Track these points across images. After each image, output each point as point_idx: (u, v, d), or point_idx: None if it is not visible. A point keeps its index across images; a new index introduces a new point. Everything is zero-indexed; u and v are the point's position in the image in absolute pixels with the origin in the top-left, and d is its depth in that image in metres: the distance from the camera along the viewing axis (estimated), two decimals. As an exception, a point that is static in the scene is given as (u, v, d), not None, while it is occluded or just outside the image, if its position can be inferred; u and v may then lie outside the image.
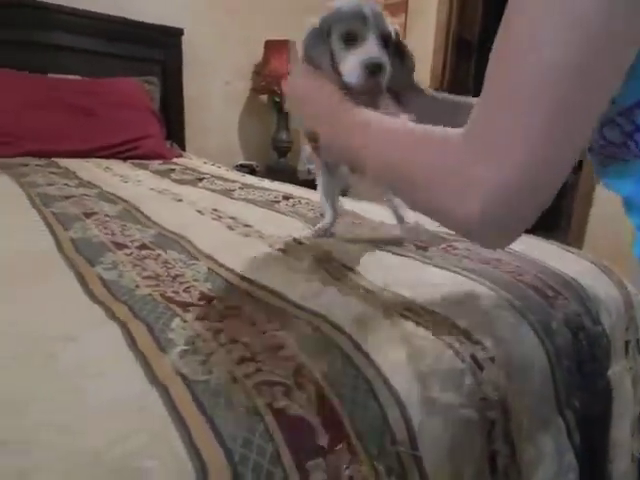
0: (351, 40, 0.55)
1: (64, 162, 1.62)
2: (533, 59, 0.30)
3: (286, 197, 1.23)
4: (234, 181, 1.51)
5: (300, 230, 0.90)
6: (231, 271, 0.65)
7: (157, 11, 2.26)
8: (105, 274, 0.61)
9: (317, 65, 0.57)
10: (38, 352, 0.41)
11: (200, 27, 2.42)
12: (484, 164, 0.33)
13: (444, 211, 0.36)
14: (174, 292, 0.57)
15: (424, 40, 2.65)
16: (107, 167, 1.63)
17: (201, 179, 1.50)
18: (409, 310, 0.54)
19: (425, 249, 0.79)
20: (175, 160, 1.95)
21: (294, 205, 1.14)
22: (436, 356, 0.48)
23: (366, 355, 0.46)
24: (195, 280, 0.61)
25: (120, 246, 0.73)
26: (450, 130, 0.37)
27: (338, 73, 0.56)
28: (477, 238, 0.38)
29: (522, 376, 0.54)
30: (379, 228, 0.94)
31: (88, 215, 0.91)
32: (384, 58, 0.54)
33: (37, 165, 1.52)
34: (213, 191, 1.29)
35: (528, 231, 0.37)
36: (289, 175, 2.53)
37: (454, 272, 0.67)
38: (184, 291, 0.57)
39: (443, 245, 0.81)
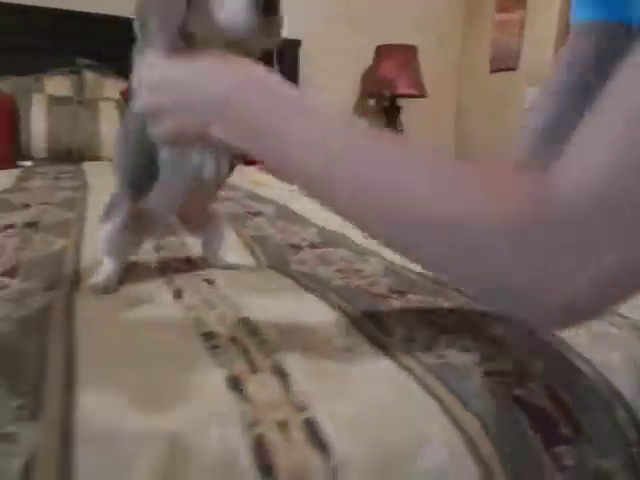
0: None
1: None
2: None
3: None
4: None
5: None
6: (409, 270, 0.69)
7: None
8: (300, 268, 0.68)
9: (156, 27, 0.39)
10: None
11: (315, 37, 2.54)
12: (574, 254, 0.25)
13: (506, 290, 0.28)
14: (367, 285, 0.62)
15: (545, 36, 2.51)
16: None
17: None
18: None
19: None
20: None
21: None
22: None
23: (579, 355, 0.46)
24: (375, 275, 0.66)
25: (294, 247, 0.80)
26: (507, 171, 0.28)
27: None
28: (545, 324, 0.31)
29: None
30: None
31: (255, 214, 1.01)
32: None
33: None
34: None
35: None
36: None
37: None
38: (372, 284, 0.62)
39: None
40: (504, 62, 2.80)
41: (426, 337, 0.46)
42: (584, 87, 0.48)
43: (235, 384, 0.36)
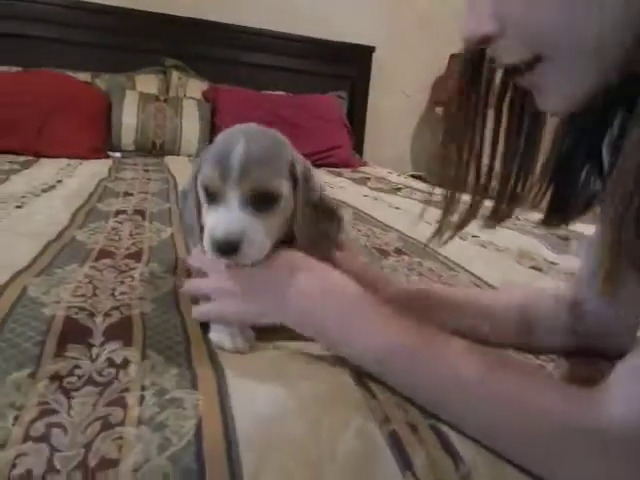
0: (211, 198, 0.39)
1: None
2: None
3: (497, 212, 1.22)
4: (430, 193, 1.55)
5: (532, 246, 0.90)
6: (492, 287, 0.68)
7: (351, 30, 2.45)
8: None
9: (185, 216, 0.45)
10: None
11: (389, 43, 2.55)
12: None
13: None
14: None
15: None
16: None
17: (399, 189, 1.58)
18: None
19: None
20: (362, 169, 2.09)
21: (513, 220, 1.13)
22: None
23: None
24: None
25: (382, 252, 0.81)
26: None
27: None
28: None
29: None
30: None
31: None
32: (239, 231, 0.37)
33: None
34: (419, 201, 1.36)
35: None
36: (459, 188, 2.50)
37: None
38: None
39: None
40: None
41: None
42: None
43: (362, 384, 0.38)
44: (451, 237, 0.43)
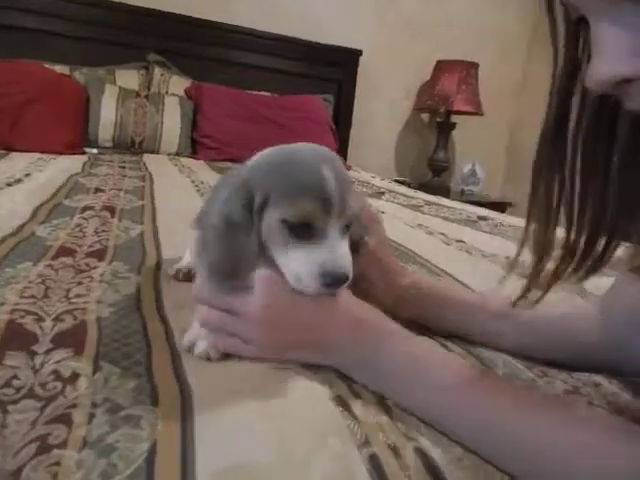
0: (305, 232, 0.35)
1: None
2: None
3: (482, 218, 1.21)
4: (413, 197, 1.54)
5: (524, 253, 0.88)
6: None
7: (339, 33, 2.43)
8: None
9: (234, 249, 0.36)
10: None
11: (376, 47, 2.54)
12: None
13: None
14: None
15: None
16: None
17: (382, 193, 1.56)
18: None
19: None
20: (346, 172, 2.06)
21: (496, 226, 1.12)
22: None
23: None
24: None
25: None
26: None
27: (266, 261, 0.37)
28: None
29: None
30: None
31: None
32: (349, 265, 0.36)
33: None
34: (403, 205, 1.33)
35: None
36: (443, 194, 2.49)
37: None
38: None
39: None
40: (567, 86, 2.70)
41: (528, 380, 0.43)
42: None
43: (341, 402, 0.34)
44: (542, 295, 0.38)
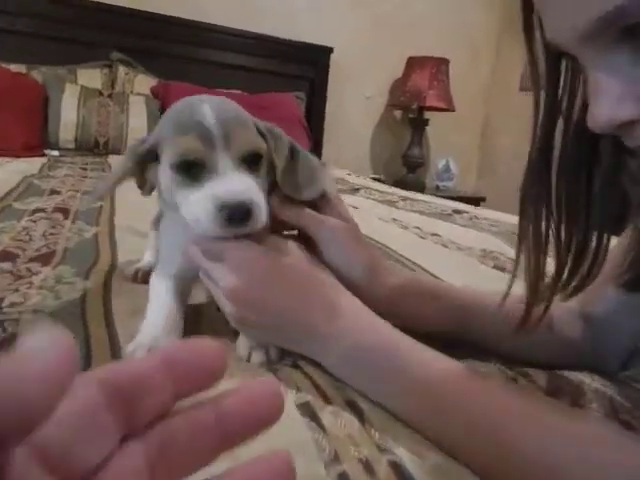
0: (194, 172, 0.34)
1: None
2: None
3: (456, 211, 1.19)
4: (388, 193, 1.52)
5: (492, 244, 0.87)
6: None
7: (310, 30, 2.40)
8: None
9: None
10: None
11: (347, 45, 2.52)
12: None
13: None
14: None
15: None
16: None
17: (357, 189, 1.53)
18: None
19: None
20: (320, 170, 2.03)
21: (471, 219, 1.10)
22: None
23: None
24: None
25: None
26: None
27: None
28: None
29: None
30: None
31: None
32: (249, 193, 0.34)
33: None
34: (378, 201, 1.31)
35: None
36: (418, 190, 2.49)
37: None
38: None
39: None
40: (536, 81, 2.75)
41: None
42: None
43: (308, 411, 0.31)
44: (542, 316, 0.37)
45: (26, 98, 1.69)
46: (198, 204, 0.33)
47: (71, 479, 0.11)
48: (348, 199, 1.29)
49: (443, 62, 2.50)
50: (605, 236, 0.34)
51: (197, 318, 0.43)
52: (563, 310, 0.44)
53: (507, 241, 0.91)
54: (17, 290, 0.42)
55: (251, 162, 0.35)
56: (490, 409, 0.29)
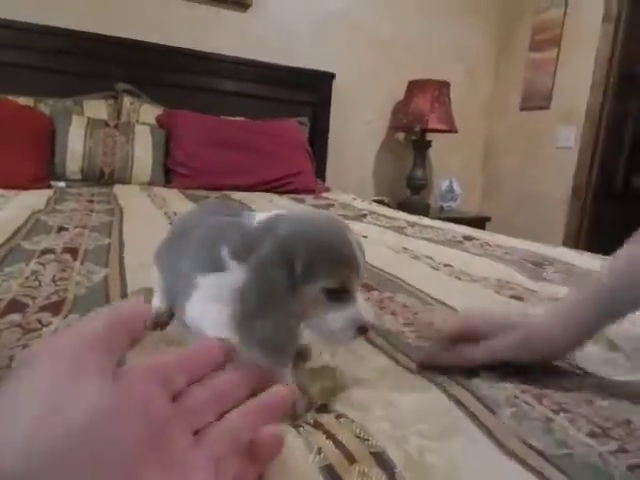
0: (340, 295, 0.38)
1: (235, 195, 1.77)
2: None
3: (467, 238, 1.18)
4: (395, 218, 1.51)
5: (507, 274, 0.85)
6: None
7: (311, 56, 2.44)
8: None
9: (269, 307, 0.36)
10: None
11: (348, 69, 2.56)
12: None
13: None
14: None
15: (580, 75, 2.48)
16: (271, 200, 1.74)
17: (364, 215, 1.52)
18: None
19: None
20: (325, 195, 2.03)
21: (482, 246, 1.09)
22: None
23: None
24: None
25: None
26: None
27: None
28: None
29: None
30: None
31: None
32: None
33: (216, 198, 1.68)
34: (386, 227, 1.30)
35: None
36: (421, 212, 2.49)
37: None
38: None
39: None
40: (536, 100, 2.77)
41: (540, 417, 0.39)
42: None
43: (332, 474, 0.29)
44: None
45: (33, 130, 1.71)
46: (339, 322, 0.38)
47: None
48: (356, 226, 1.28)
49: (444, 85, 2.53)
50: None
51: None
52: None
53: (521, 270, 0.89)
54: (26, 345, 0.41)
55: None
56: None
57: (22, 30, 1.84)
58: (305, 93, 2.41)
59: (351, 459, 0.32)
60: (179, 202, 1.45)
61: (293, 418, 0.38)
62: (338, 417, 0.38)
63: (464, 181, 2.96)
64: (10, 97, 1.75)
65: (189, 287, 0.42)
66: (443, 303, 0.68)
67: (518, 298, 0.73)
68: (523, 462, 0.33)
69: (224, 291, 0.38)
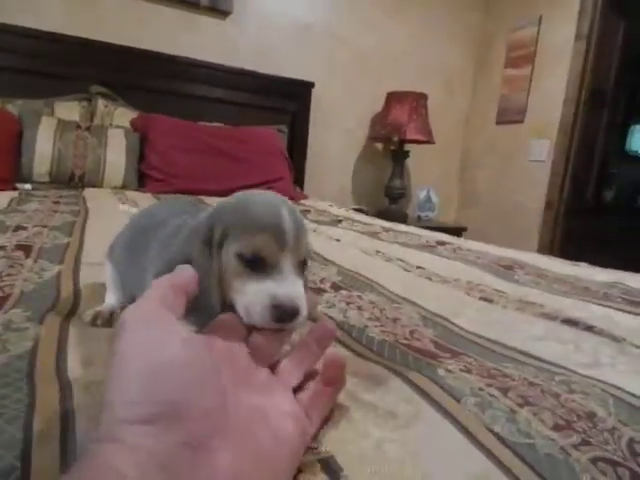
0: (259, 265, 0.36)
1: (210, 200, 1.74)
2: None
3: (440, 243, 1.18)
4: (371, 224, 1.50)
5: (478, 276, 0.85)
6: (446, 319, 0.61)
7: (290, 65, 2.45)
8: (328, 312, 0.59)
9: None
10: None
11: (328, 79, 2.58)
12: None
13: None
14: (405, 338, 0.53)
15: (553, 90, 2.56)
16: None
17: (339, 220, 1.51)
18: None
19: None
20: (303, 202, 2.02)
21: (455, 251, 1.09)
22: None
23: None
24: (415, 325, 0.58)
25: (317, 290, 0.72)
26: None
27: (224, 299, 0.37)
28: None
29: None
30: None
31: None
32: (302, 300, 0.36)
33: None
34: (361, 232, 1.29)
35: None
36: (400, 220, 2.50)
37: None
38: (414, 338, 0.54)
39: None
40: (511, 115, 2.84)
41: (506, 410, 0.37)
42: None
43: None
44: None
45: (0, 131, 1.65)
46: (256, 296, 0.35)
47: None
48: (330, 231, 1.27)
49: (422, 97, 2.57)
50: None
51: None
52: None
53: (492, 273, 0.89)
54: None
55: (301, 266, 0.38)
56: None
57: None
58: (284, 101, 2.41)
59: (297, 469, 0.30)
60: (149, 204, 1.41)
61: None
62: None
63: (441, 192, 3.00)
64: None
65: (144, 285, 0.40)
66: (412, 302, 0.67)
67: (488, 300, 0.72)
68: (483, 447, 0.31)
69: None
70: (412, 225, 2.45)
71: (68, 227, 0.93)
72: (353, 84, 2.69)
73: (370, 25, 2.69)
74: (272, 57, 2.41)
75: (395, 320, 0.58)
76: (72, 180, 1.73)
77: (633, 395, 0.42)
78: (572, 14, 2.47)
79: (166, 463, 0.21)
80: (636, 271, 1.00)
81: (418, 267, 0.89)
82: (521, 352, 0.52)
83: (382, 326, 0.56)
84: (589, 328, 0.60)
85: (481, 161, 3.09)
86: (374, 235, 1.26)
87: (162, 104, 2.08)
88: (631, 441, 0.34)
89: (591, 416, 0.37)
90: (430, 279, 0.82)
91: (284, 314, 0.34)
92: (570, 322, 0.62)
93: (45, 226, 0.90)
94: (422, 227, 2.23)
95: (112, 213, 1.18)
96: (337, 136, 2.72)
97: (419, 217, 2.86)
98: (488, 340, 0.55)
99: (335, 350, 0.34)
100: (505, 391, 0.41)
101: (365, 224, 1.49)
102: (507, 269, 0.94)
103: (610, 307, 0.71)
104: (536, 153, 2.70)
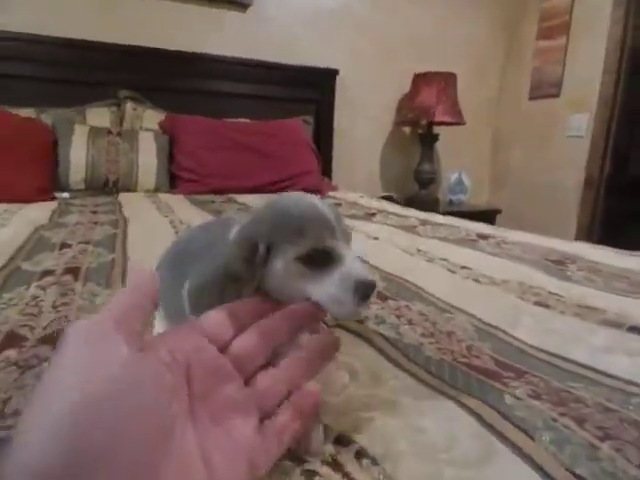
0: (321, 259, 0.35)
1: (241, 198, 1.74)
2: None
3: (481, 236, 1.14)
4: (405, 216, 1.47)
5: (529, 276, 0.81)
6: (502, 331, 0.58)
7: (313, 53, 2.40)
8: (381, 329, 0.58)
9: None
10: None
11: (352, 65, 2.51)
12: None
13: None
14: (463, 356, 0.51)
15: (591, 61, 2.41)
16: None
17: (373, 214, 1.49)
18: None
19: None
20: (332, 194, 2.00)
21: (499, 245, 1.05)
22: None
23: None
24: (470, 339, 0.55)
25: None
26: None
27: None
28: None
29: None
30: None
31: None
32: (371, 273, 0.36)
33: (222, 202, 1.65)
34: (396, 227, 1.26)
35: None
36: (431, 206, 2.44)
37: None
38: (472, 355, 0.51)
39: None
40: (545, 89, 2.70)
41: (585, 445, 0.35)
42: None
43: None
44: None
45: (36, 142, 1.69)
46: (337, 286, 0.34)
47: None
48: (365, 227, 1.24)
49: (451, 76, 2.47)
50: None
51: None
52: None
53: (543, 270, 0.85)
54: (21, 388, 0.38)
55: (350, 245, 0.38)
56: None
57: (22, 41, 1.82)
58: (308, 91, 2.37)
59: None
60: (184, 209, 1.42)
61: (309, 453, 0.35)
62: (359, 455, 0.35)
63: (473, 174, 2.91)
64: (12, 109, 1.73)
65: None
66: (464, 311, 0.65)
67: (543, 305, 0.68)
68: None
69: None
70: (444, 209, 2.41)
71: (110, 241, 0.94)
72: (378, 69, 2.62)
73: (393, 8, 2.59)
74: (294, 47, 2.37)
75: (450, 334, 0.56)
76: (106, 186, 1.77)
77: None
78: (611, -24, 2.31)
79: None
80: (698, 260, 0.93)
81: (463, 267, 0.86)
82: (588, 367, 0.49)
83: (437, 342, 0.54)
84: (659, 336, 0.56)
85: (514, 140, 2.96)
86: (411, 230, 1.23)
87: (188, 103, 2.08)
88: None
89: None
90: (478, 281, 0.78)
91: (369, 288, 0.35)
92: (637, 330, 0.58)
93: (88, 242, 0.92)
94: (455, 212, 2.17)
95: (149, 222, 1.19)
96: (363, 123, 2.66)
97: (450, 200, 2.79)
98: (550, 355, 0.52)
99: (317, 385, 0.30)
100: (581, 422, 0.39)
101: (400, 216, 1.46)
102: (557, 264, 0.90)
103: (677, 308, 0.66)
104: (574, 128, 2.57)
